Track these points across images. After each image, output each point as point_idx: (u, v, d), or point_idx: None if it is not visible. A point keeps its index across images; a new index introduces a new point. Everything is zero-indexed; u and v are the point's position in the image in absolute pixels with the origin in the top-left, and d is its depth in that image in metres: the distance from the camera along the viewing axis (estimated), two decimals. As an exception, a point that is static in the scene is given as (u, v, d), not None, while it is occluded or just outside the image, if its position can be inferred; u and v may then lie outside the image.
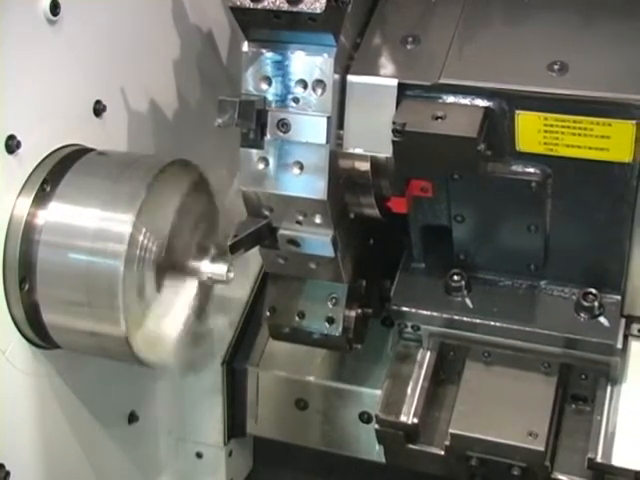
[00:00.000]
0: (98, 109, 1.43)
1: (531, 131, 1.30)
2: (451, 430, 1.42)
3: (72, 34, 1.35)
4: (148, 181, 1.30)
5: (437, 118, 1.28)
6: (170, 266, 1.35)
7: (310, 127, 1.32)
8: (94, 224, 1.28)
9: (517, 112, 1.29)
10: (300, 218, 1.38)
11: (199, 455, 1.78)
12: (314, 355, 1.68)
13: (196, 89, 1.68)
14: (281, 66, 1.31)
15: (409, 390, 1.48)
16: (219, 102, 1.28)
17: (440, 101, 1.31)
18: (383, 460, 1.53)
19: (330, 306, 1.50)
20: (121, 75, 1.48)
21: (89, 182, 1.33)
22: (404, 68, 1.33)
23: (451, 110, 1.29)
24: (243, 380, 1.73)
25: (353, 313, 1.52)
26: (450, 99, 1.31)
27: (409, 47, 1.35)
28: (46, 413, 1.41)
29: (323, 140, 1.32)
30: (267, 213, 1.39)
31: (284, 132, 1.33)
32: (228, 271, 1.42)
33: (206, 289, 1.45)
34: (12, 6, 1.23)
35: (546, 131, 1.29)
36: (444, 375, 1.54)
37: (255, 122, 1.31)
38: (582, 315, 1.43)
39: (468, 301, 1.48)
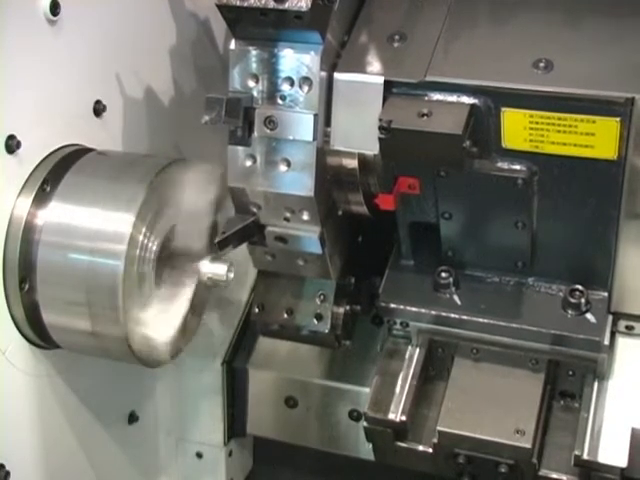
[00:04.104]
0: (98, 109, 1.44)
1: (517, 128, 1.30)
2: (439, 428, 1.42)
3: (72, 34, 1.37)
4: (148, 181, 1.31)
5: (423, 115, 1.28)
6: (170, 266, 1.36)
7: (297, 124, 1.33)
8: (94, 224, 1.29)
9: (503, 109, 1.29)
10: (288, 215, 1.38)
11: (199, 455, 1.79)
12: (304, 353, 1.68)
13: (197, 89, 1.69)
14: (268, 64, 1.32)
15: (398, 388, 1.49)
16: (206, 99, 1.30)
17: (426, 98, 1.32)
18: (372, 458, 1.53)
19: (318, 303, 1.50)
20: (121, 75, 1.49)
21: (89, 182, 1.34)
22: (390, 66, 1.34)
23: (437, 107, 1.29)
24: (243, 380, 1.73)
25: (341, 310, 1.52)
26: (436, 96, 1.32)
27: (396, 45, 1.36)
28: (46, 413, 1.41)
29: (310, 137, 1.33)
30: (255, 210, 1.40)
31: (271, 129, 1.34)
32: (228, 271, 1.43)
33: (205, 289, 1.46)
34: (12, 6, 1.25)
35: (531, 128, 1.29)
36: (433, 372, 1.54)
37: (242, 119, 1.32)
38: (569, 312, 1.42)
39: (456, 298, 1.48)
